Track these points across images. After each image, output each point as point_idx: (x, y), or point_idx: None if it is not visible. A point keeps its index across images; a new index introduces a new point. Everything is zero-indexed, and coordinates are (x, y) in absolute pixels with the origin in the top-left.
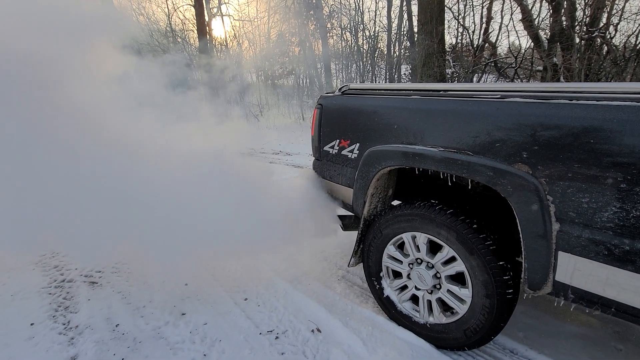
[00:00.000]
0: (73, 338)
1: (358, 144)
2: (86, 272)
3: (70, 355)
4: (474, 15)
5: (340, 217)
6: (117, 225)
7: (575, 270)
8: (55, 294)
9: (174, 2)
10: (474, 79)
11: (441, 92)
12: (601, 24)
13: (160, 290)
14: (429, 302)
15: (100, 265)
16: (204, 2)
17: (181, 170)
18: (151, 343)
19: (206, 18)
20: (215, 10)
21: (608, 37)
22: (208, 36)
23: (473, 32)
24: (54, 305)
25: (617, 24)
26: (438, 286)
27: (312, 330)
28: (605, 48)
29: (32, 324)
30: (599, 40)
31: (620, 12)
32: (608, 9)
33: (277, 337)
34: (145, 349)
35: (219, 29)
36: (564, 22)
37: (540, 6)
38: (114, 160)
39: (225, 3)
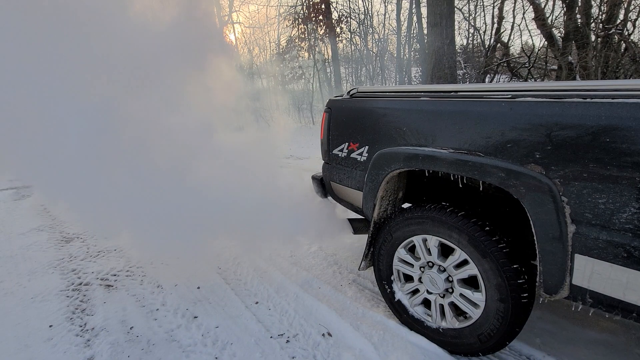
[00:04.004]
0: (89, 340)
1: (367, 147)
2: (102, 275)
3: (86, 356)
4: (484, 16)
5: (351, 220)
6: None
7: (593, 273)
8: (72, 297)
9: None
10: (486, 79)
11: (451, 93)
12: (618, 21)
13: (173, 294)
14: (441, 306)
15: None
16: (215, 10)
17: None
18: (164, 346)
19: (217, 25)
20: (226, 18)
21: (626, 33)
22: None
23: (484, 32)
24: (72, 307)
25: (635, 20)
26: (450, 290)
27: (323, 334)
28: (623, 45)
29: (50, 326)
30: (616, 37)
31: (638, 7)
32: (625, 5)
33: (287, 341)
34: (158, 352)
35: (230, 36)
36: (579, 20)
37: (554, 4)
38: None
39: (236, 11)
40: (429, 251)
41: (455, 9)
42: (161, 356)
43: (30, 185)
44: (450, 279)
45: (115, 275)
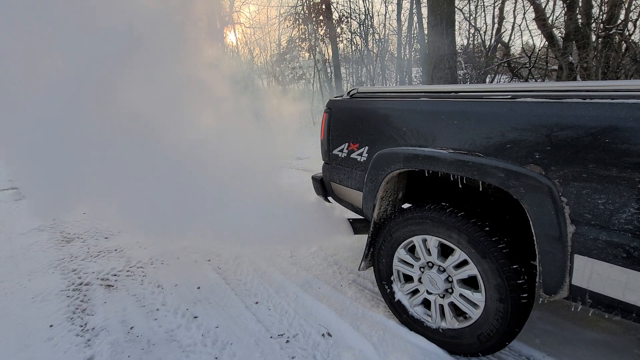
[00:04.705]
0: (89, 340)
1: (367, 147)
2: (102, 275)
3: (86, 356)
4: (485, 16)
5: (351, 220)
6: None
7: (593, 273)
8: (73, 297)
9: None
10: (487, 79)
11: (451, 94)
12: (619, 21)
13: (173, 294)
14: (441, 306)
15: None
16: (215, 10)
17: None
18: (164, 345)
19: (218, 26)
20: (227, 18)
21: (626, 33)
22: (220, 44)
23: (485, 32)
24: (72, 307)
25: (636, 20)
26: (450, 290)
27: (323, 335)
28: (624, 45)
29: (51, 326)
30: (616, 37)
31: (639, 8)
32: (626, 5)
33: (287, 341)
34: (158, 352)
35: (230, 36)
36: (580, 20)
37: (554, 4)
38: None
39: (236, 11)
40: (428, 251)
41: (456, 9)
42: (161, 356)
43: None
44: (450, 279)
45: (115, 275)
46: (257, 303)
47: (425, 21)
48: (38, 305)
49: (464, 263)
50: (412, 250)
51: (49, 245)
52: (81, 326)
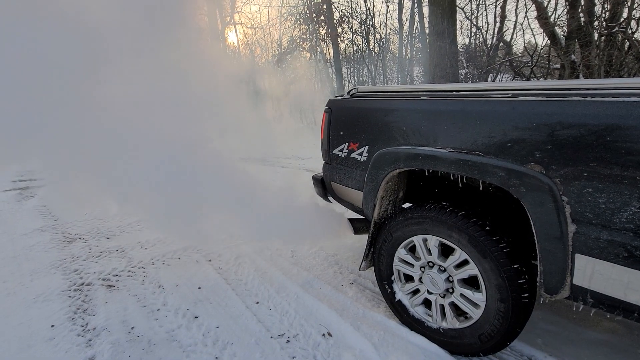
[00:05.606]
0: (91, 340)
1: (367, 147)
2: (104, 275)
3: (87, 356)
4: (487, 15)
5: (351, 220)
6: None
7: (594, 273)
8: (74, 297)
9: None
10: (489, 78)
11: (452, 93)
12: (622, 19)
13: (174, 294)
14: (442, 306)
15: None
16: (217, 11)
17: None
18: (165, 345)
19: (219, 26)
20: (228, 18)
21: (629, 32)
22: (222, 44)
23: (486, 31)
24: (73, 307)
25: (639, 18)
26: (451, 290)
27: (323, 335)
28: (627, 43)
29: (52, 326)
30: (619, 35)
31: None
32: (629, 3)
33: (288, 341)
34: (159, 352)
35: (232, 36)
36: (582, 18)
37: (556, 3)
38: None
39: (237, 12)
40: (429, 251)
41: (457, 8)
42: (162, 356)
43: (33, 186)
44: (451, 279)
45: (117, 275)
46: (257, 303)
47: (426, 20)
48: (40, 306)
49: (464, 263)
50: (412, 250)
51: (51, 246)
52: (82, 326)
